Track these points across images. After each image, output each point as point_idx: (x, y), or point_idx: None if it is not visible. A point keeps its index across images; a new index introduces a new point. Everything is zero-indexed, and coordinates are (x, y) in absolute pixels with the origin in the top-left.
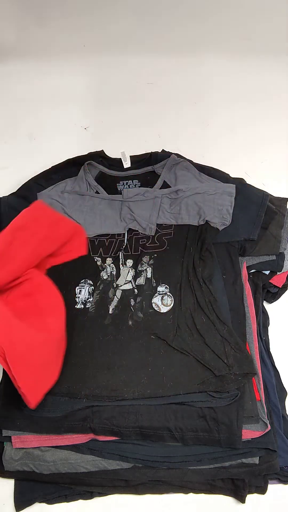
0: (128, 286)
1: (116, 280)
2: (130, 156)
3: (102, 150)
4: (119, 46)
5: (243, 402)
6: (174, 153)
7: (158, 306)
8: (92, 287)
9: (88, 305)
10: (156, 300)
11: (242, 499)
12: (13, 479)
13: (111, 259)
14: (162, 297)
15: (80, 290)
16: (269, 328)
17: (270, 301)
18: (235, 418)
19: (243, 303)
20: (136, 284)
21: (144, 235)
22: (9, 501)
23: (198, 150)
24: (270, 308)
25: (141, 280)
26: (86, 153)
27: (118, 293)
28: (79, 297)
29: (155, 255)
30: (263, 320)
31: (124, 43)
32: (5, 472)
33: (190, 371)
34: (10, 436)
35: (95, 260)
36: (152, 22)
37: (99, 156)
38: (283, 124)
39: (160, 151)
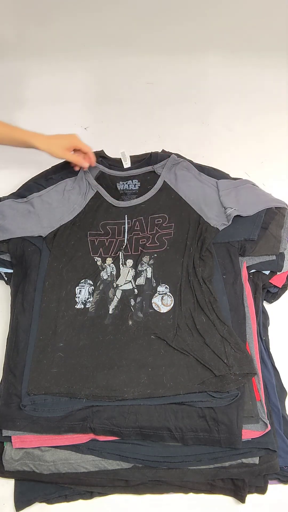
0: (128, 286)
1: (116, 280)
2: (130, 156)
3: (102, 150)
4: (119, 46)
5: (243, 402)
6: (174, 153)
7: (158, 306)
8: (92, 287)
9: (88, 305)
10: (156, 300)
11: (242, 499)
12: (13, 479)
13: (111, 259)
14: (162, 297)
15: (80, 290)
16: (269, 328)
17: (270, 301)
18: (235, 418)
19: (243, 303)
20: (136, 284)
21: (144, 235)
22: (9, 501)
23: (198, 150)
24: (270, 308)
25: (141, 280)
26: None
27: (118, 293)
28: (79, 297)
29: (155, 255)
30: (263, 320)
31: (124, 43)
32: (5, 472)
33: (190, 371)
34: (10, 436)
35: (95, 260)
36: (152, 22)
37: (99, 156)
38: (283, 125)
39: (160, 151)
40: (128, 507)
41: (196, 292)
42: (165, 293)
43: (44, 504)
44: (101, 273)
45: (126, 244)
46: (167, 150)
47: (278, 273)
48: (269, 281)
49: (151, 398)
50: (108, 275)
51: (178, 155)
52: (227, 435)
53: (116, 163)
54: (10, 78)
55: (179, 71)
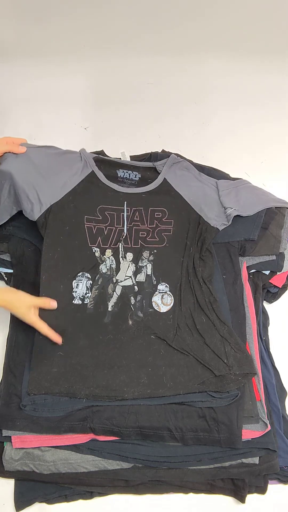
0: (129, 282)
1: (116, 275)
2: (130, 156)
3: (102, 150)
4: (119, 46)
5: (243, 402)
6: (174, 153)
7: (158, 305)
8: (90, 282)
9: (87, 300)
10: (156, 298)
11: (242, 499)
12: (13, 479)
13: (110, 250)
14: (162, 296)
15: (77, 284)
16: (269, 328)
17: (270, 301)
18: (235, 418)
19: (243, 303)
20: (137, 280)
21: (144, 228)
22: (9, 501)
23: (198, 150)
24: (270, 308)
25: (141, 277)
26: None
27: (118, 289)
28: (76, 291)
29: (155, 250)
30: (263, 320)
31: (124, 43)
32: (5, 472)
33: (190, 371)
34: (10, 436)
35: (93, 251)
36: (152, 22)
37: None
38: (283, 124)
39: (160, 151)
40: (128, 507)
41: (196, 292)
42: (165, 292)
43: (44, 504)
44: (100, 266)
45: (126, 234)
46: (167, 150)
47: (278, 273)
48: (269, 281)
49: (151, 398)
50: (107, 269)
51: (178, 155)
52: (227, 435)
53: None
54: (10, 79)
55: (179, 71)
